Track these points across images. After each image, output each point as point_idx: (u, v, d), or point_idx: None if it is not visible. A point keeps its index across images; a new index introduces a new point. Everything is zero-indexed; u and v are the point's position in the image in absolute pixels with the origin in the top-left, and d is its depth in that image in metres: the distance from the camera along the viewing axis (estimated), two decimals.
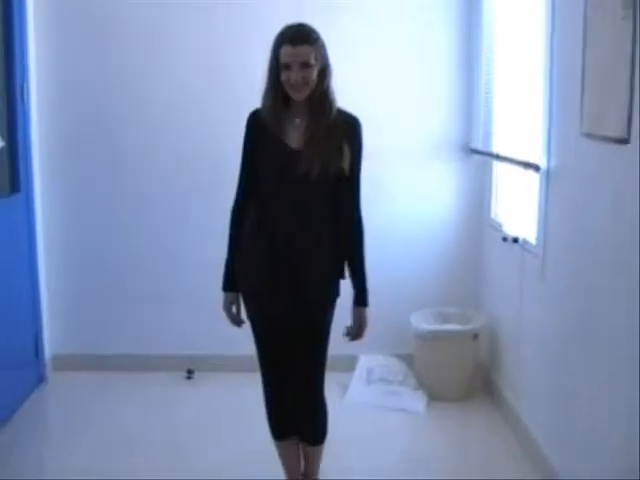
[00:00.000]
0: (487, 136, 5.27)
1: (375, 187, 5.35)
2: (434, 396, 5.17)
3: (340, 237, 3.51)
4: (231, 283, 3.55)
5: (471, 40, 5.44)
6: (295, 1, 5.14)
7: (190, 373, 5.55)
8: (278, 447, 3.76)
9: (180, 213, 5.54)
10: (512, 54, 4.86)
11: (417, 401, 5.12)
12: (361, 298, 3.61)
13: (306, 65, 3.25)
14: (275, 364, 3.58)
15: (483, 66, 5.30)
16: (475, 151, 5.43)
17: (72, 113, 5.50)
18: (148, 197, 5.56)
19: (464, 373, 5.23)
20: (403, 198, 5.54)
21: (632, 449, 3.02)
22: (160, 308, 5.65)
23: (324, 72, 3.34)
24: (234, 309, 3.57)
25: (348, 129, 3.43)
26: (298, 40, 3.25)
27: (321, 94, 3.35)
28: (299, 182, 3.33)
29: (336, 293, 3.59)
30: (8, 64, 4.99)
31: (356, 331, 3.63)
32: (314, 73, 3.28)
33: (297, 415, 3.65)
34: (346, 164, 3.39)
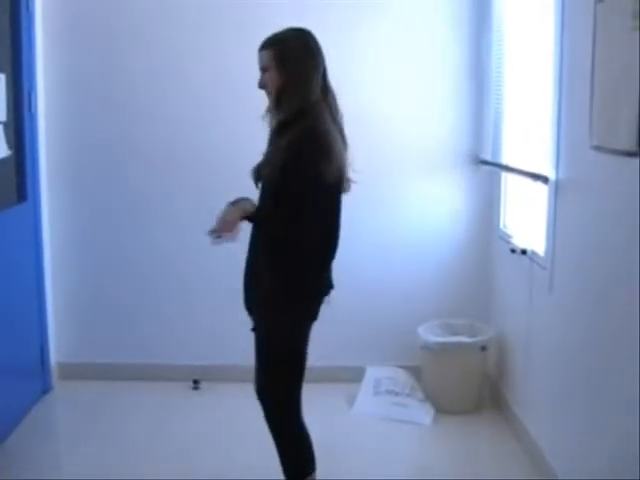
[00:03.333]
0: (496, 147, 5.25)
1: (384, 197, 5.35)
2: (441, 408, 5.14)
3: None
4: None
5: (481, 51, 5.42)
6: (311, 6, 5.15)
7: (196, 383, 5.53)
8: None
9: (188, 223, 5.51)
10: (522, 65, 4.85)
11: (424, 413, 5.09)
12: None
13: (263, 69, 3.37)
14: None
15: (493, 77, 5.29)
16: (484, 162, 5.41)
17: (79, 122, 5.50)
18: (155, 207, 5.55)
19: (472, 385, 5.20)
20: (412, 208, 5.52)
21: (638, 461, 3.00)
22: (167, 318, 5.64)
23: (287, 81, 3.31)
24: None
25: (290, 148, 3.21)
26: (262, 46, 3.39)
27: (278, 101, 3.35)
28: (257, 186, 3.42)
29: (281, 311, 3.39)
30: (15, 73, 4.98)
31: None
32: (270, 78, 3.34)
33: None
34: (272, 174, 3.24)
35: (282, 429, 3.47)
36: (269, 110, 3.41)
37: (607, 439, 3.38)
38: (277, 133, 3.35)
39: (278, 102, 3.33)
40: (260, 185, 3.40)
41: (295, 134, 3.22)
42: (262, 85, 3.38)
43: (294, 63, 3.30)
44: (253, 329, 3.45)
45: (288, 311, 3.36)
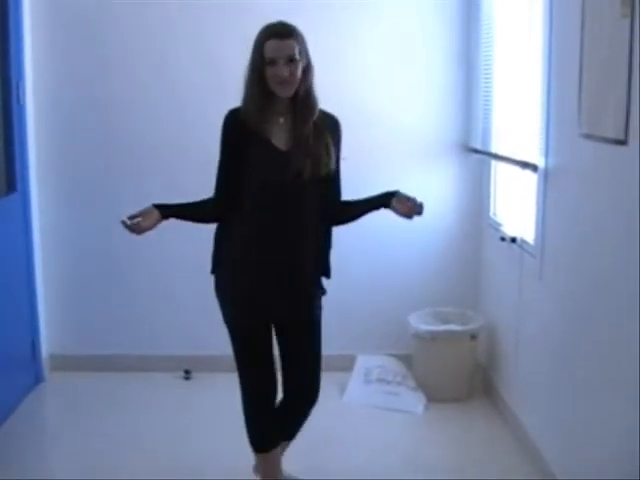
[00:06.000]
0: (486, 135, 5.25)
1: (373, 186, 5.31)
2: (432, 396, 5.16)
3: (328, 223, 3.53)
4: (167, 208, 3.53)
5: (470, 39, 5.43)
6: (293, 6, 5.13)
7: (188, 373, 5.55)
8: (260, 460, 3.70)
9: None
10: (511, 53, 4.85)
11: (415, 401, 5.10)
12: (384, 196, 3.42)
13: (292, 59, 3.20)
14: (264, 366, 3.56)
15: (482, 66, 5.29)
16: (474, 150, 5.41)
17: (68, 112, 5.48)
18: (146, 196, 5.49)
19: (462, 373, 5.22)
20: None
21: (632, 450, 3.01)
22: (158, 308, 5.64)
23: (308, 69, 3.29)
24: (140, 218, 3.45)
25: (333, 129, 3.42)
26: (284, 34, 3.20)
27: (306, 92, 3.31)
28: (291, 184, 3.30)
29: (323, 290, 3.62)
30: (4, 63, 4.98)
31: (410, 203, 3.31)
32: (299, 68, 3.23)
33: (289, 415, 3.68)
34: (333, 164, 3.38)
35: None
36: (281, 106, 3.32)
37: (597, 425, 3.39)
38: (306, 125, 3.33)
39: (309, 95, 3.32)
40: (305, 180, 3.31)
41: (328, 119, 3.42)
42: (288, 78, 3.22)
43: (309, 56, 3.31)
44: (306, 312, 3.53)
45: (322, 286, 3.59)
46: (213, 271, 3.60)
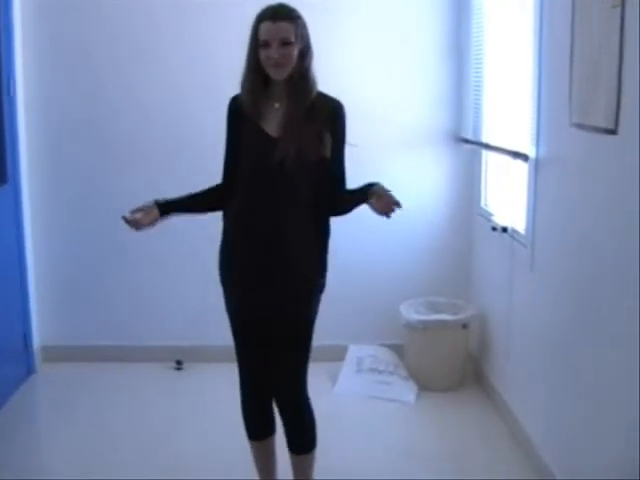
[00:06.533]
0: (477, 125, 5.26)
1: (364, 176, 5.31)
2: (424, 386, 5.18)
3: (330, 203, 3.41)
4: (168, 204, 3.44)
5: (461, 29, 5.43)
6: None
7: (179, 364, 5.55)
8: (253, 448, 3.66)
9: None
10: (502, 43, 4.85)
11: (407, 391, 5.12)
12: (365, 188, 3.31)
13: (286, 42, 3.14)
14: (254, 360, 3.47)
15: (473, 56, 5.30)
16: (465, 140, 5.42)
17: (59, 105, 5.47)
18: (136, 188, 5.52)
19: (454, 363, 5.24)
20: (393, 187, 5.43)
21: (622, 432, 3.03)
22: (149, 299, 5.65)
23: (305, 53, 3.22)
24: (141, 215, 3.36)
25: (329, 114, 3.29)
26: (278, 16, 3.15)
27: (300, 76, 3.23)
28: (276, 171, 3.21)
29: (321, 286, 3.45)
30: None
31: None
32: (294, 51, 3.17)
33: (284, 423, 3.54)
34: (327, 151, 3.26)
35: (308, 405, 3.51)
36: (277, 91, 3.26)
37: (587, 414, 3.41)
38: (295, 111, 3.24)
39: (304, 79, 3.24)
40: (289, 167, 3.21)
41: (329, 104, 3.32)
42: (280, 60, 3.15)
43: (308, 39, 3.25)
44: (291, 312, 3.36)
45: (321, 286, 3.46)
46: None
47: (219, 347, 5.24)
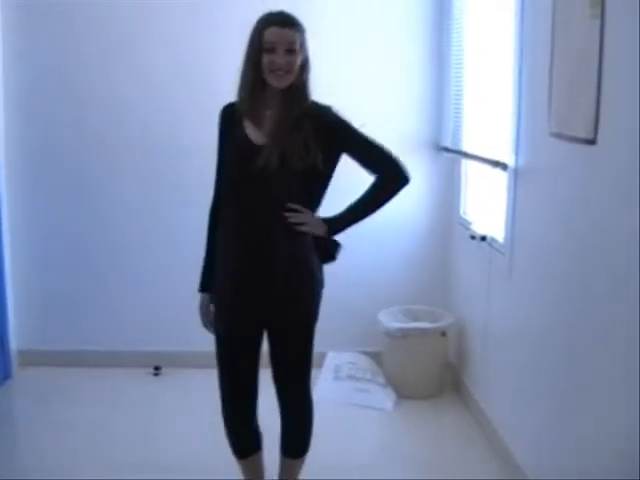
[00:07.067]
0: (456, 134, 5.28)
1: (343, 184, 5.34)
2: (402, 393, 5.18)
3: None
4: (206, 284, 3.41)
5: (441, 38, 5.45)
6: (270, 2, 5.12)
7: (157, 369, 5.54)
8: (242, 466, 3.59)
9: (151, 208, 5.52)
10: (482, 52, 4.88)
11: (385, 398, 5.12)
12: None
13: (291, 50, 3.10)
14: (243, 374, 3.40)
15: (453, 64, 5.32)
16: (444, 149, 5.44)
17: (40, 110, 5.48)
18: (119, 191, 5.53)
19: (432, 371, 5.25)
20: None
21: (599, 442, 3.05)
22: (128, 304, 5.64)
23: (305, 65, 3.21)
24: (208, 311, 3.42)
25: (317, 121, 3.22)
26: (286, 22, 3.12)
27: (298, 87, 3.20)
28: (258, 178, 3.15)
29: (319, 287, 3.43)
30: None
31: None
32: (297, 60, 3.14)
33: (284, 425, 3.52)
34: (318, 158, 3.17)
35: (311, 410, 3.56)
36: (272, 99, 3.20)
37: (566, 422, 3.42)
38: (283, 119, 3.19)
39: (300, 90, 3.22)
40: (272, 174, 3.15)
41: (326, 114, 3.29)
42: (288, 67, 3.12)
43: (308, 52, 3.23)
44: (289, 320, 3.34)
45: (319, 282, 3.45)
46: None
47: (197, 353, 5.24)
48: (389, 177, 3.45)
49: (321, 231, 3.31)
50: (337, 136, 3.29)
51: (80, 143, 5.50)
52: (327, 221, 3.34)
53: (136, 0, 5.35)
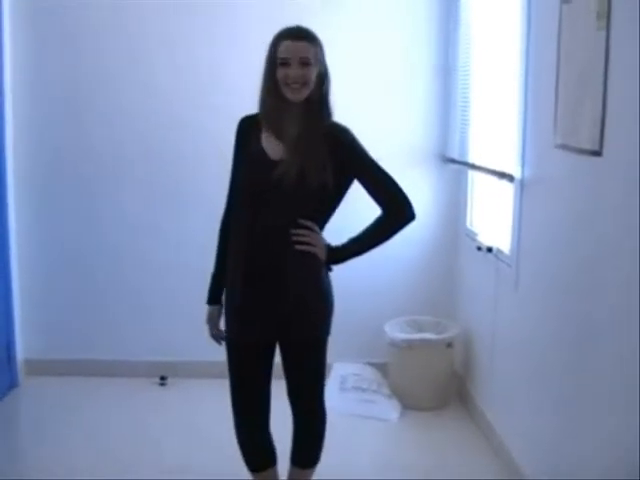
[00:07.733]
0: (463, 145, 5.28)
1: (350, 195, 5.36)
2: (408, 405, 5.18)
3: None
4: (215, 296, 3.41)
5: (448, 50, 5.46)
6: (276, 2, 5.14)
7: (163, 379, 5.53)
8: (255, 478, 3.55)
9: (158, 220, 5.52)
10: (488, 64, 4.88)
11: (391, 409, 5.11)
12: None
13: (305, 63, 3.10)
14: (254, 387, 3.39)
15: (460, 76, 5.33)
16: (451, 160, 5.44)
17: (47, 114, 5.49)
18: (124, 200, 5.54)
19: (438, 382, 5.24)
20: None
21: (610, 458, 3.04)
22: (134, 314, 5.64)
23: (323, 77, 3.20)
24: (216, 324, 3.43)
25: (334, 142, 3.19)
26: (299, 36, 3.12)
27: (318, 101, 3.19)
28: (272, 194, 3.13)
29: (330, 302, 3.46)
30: None
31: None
32: (313, 73, 3.13)
33: (296, 436, 3.52)
34: (329, 179, 3.14)
35: (324, 422, 3.55)
36: (291, 113, 3.19)
37: (572, 433, 3.41)
38: (307, 134, 3.17)
39: (321, 104, 3.22)
40: (289, 190, 3.12)
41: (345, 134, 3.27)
42: (303, 80, 3.12)
43: (326, 64, 3.24)
44: (297, 333, 3.32)
45: (332, 309, 3.49)
46: None
47: (203, 363, 5.26)
48: (395, 211, 3.41)
49: (321, 257, 3.29)
50: (352, 160, 3.26)
51: (85, 157, 5.52)
52: (330, 249, 3.33)
53: (139, 13, 5.39)
